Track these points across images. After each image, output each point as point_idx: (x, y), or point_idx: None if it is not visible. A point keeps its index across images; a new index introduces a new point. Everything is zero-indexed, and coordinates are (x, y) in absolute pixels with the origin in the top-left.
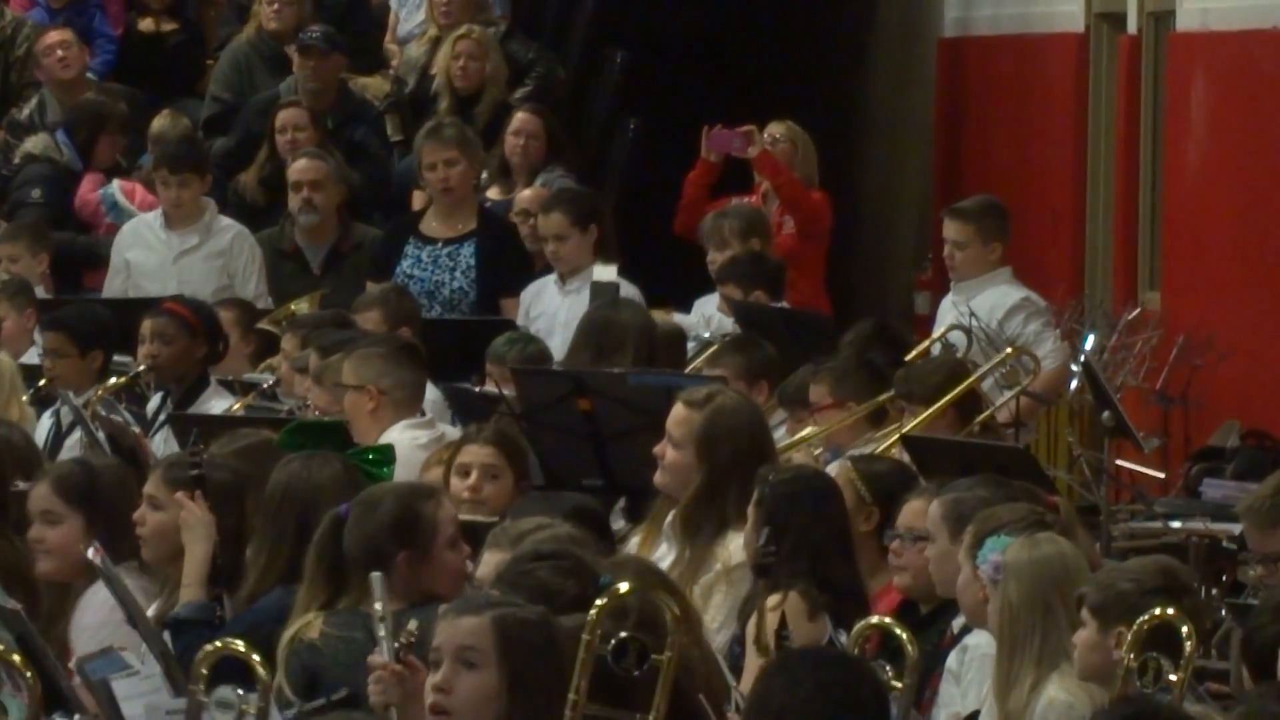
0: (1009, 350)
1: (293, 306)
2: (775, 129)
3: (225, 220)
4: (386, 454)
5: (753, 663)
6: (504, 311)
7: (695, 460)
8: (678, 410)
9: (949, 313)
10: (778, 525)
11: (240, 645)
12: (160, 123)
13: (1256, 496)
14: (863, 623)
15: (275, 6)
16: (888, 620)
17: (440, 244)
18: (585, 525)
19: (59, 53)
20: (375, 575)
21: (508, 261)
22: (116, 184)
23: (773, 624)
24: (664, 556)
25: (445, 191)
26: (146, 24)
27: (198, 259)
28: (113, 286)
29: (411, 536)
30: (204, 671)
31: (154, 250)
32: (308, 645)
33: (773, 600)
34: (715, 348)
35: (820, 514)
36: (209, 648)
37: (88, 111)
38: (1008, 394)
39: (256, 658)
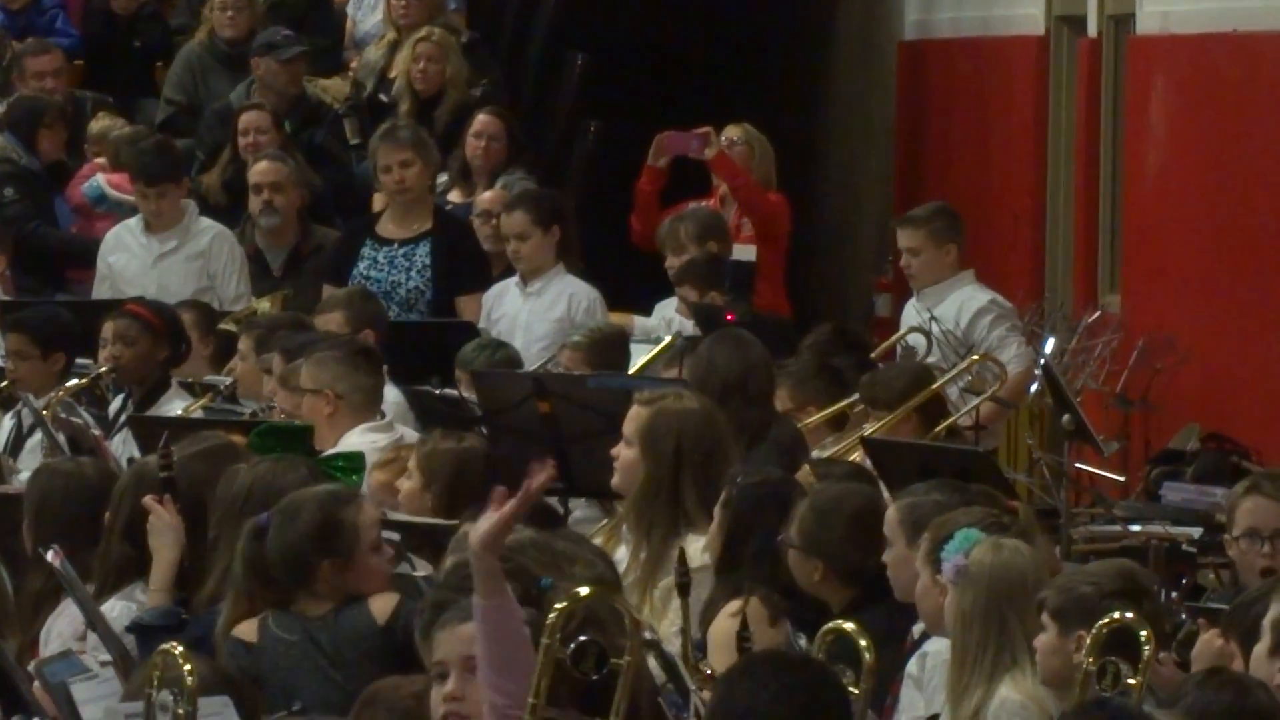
0: (974, 357)
1: (255, 306)
2: (732, 131)
3: (205, 221)
4: (355, 461)
5: (717, 666)
6: (460, 311)
7: (640, 456)
8: (631, 409)
9: (912, 318)
10: (743, 528)
11: (178, 650)
12: (100, 124)
13: None
14: (826, 626)
15: (229, 14)
16: (849, 626)
17: (396, 245)
18: (540, 523)
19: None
20: None
21: (463, 261)
22: (101, 177)
23: (734, 628)
24: (623, 560)
25: (400, 193)
26: (120, 3)
27: (177, 261)
28: (100, 292)
29: (334, 544)
30: (157, 674)
31: (134, 254)
32: (246, 647)
33: (733, 606)
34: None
35: (786, 519)
36: (161, 650)
37: (23, 108)
38: (972, 399)
39: (189, 666)
